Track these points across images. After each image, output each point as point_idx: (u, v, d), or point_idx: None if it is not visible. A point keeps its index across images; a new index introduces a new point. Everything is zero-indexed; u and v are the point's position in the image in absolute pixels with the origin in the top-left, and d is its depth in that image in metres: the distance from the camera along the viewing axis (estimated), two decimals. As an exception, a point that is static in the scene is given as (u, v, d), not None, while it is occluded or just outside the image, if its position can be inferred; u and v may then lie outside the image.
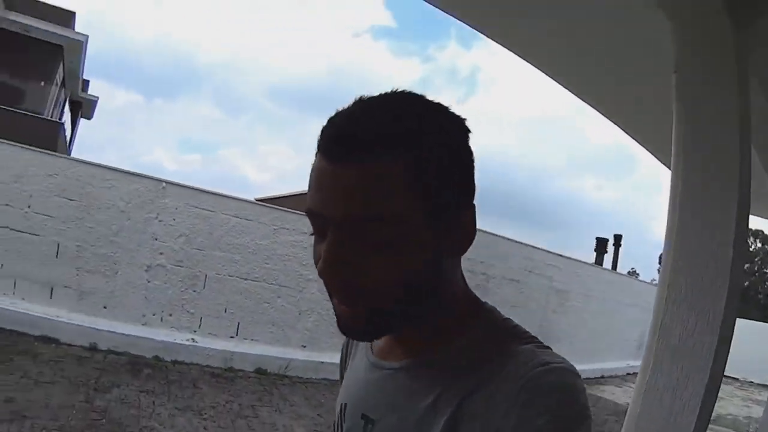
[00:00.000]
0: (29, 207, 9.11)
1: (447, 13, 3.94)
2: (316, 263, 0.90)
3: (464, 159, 0.92)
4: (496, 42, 4.28)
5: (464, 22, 4.03)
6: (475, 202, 0.94)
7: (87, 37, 21.31)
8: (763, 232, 44.29)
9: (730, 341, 2.32)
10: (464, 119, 0.93)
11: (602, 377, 14.39)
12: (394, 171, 0.83)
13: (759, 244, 46.66)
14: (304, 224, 10.30)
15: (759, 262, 46.19)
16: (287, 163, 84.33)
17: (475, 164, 0.94)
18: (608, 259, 22.73)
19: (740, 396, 16.53)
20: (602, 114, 5.14)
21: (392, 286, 0.86)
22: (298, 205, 11.44)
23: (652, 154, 5.34)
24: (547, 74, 4.52)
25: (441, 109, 0.91)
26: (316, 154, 0.89)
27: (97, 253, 9.12)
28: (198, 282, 9.44)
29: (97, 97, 28.32)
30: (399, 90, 0.90)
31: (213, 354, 8.98)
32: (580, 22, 3.60)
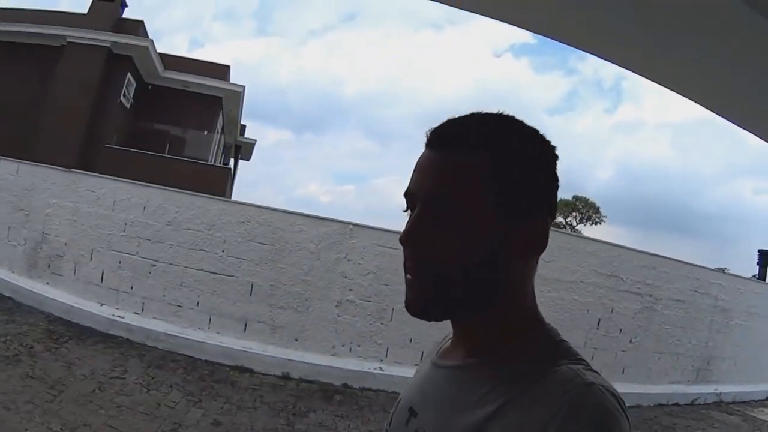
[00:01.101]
0: (223, 251, 10.07)
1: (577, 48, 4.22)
2: None
3: (544, 175, 1.03)
4: (627, 69, 4.55)
5: (589, 52, 4.29)
6: (552, 219, 1.06)
7: (244, 87, 22.76)
8: None
9: None
10: (554, 146, 1.04)
11: (767, 399, 13.73)
12: (475, 164, 0.97)
13: None
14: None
15: None
16: None
17: (559, 187, 1.06)
18: None
19: None
20: (742, 127, 5.30)
21: (456, 262, 0.97)
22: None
23: None
24: (681, 94, 4.74)
25: (531, 131, 1.03)
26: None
27: (289, 291, 9.86)
28: (385, 315, 9.89)
29: (255, 140, 29.92)
30: (504, 112, 1.04)
31: (399, 381, 9.17)
32: (705, 37, 3.86)
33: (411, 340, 9.87)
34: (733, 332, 13.66)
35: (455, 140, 1.00)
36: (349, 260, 9.99)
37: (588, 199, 48.67)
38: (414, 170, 1.04)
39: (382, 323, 9.95)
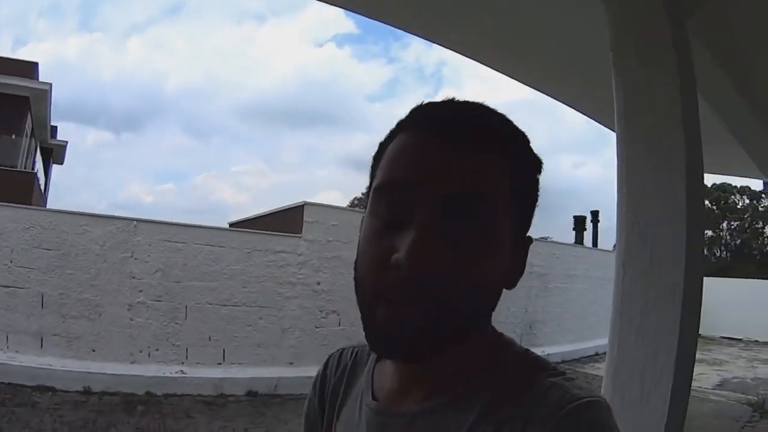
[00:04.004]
0: (11, 261, 9.31)
1: (388, 24, 4.08)
2: (372, 250, 0.82)
3: (537, 192, 0.89)
4: (437, 43, 4.43)
5: (403, 29, 4.17)
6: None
7: (51, 84, 21.38)
8: (749, 188, 43.98)
9: (698, 309, 2.29)
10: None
11: (596, 354, 14.43)
12: (503, 172, 0.80)
13: (747, 200, 46.49)
14: (278, 243, 10.49)
15: (749, 219, 46.10)
16: (263, 182, 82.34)
17: None
18: (588, 236, 22.49)
19: (746, 357, 16.41)
20: (548, 95, 5.29)
21: (468, 289, 0.78)
22: (272, 224, 11.56)
23: (602, 124, 5.48)
24: (494, 69, 4.67)
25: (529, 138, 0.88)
26: (407, 132, 0.85)
27: (80, 299, 9.28)
28: (179, 314, 9.57)
29: (67, 142, 28.22)
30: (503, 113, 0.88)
31: (203, 383, 9.15)
32: (516, 15, 3.73)
33: (210, 339, 9.72)
34: (552, 295, 14.31)
35: (486, 136, 0.81)
36: (135, 259, 9.55)
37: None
38: (418, 160, 0.80)
39: (177, 323, 9.61)
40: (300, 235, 10.69)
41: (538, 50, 4.16)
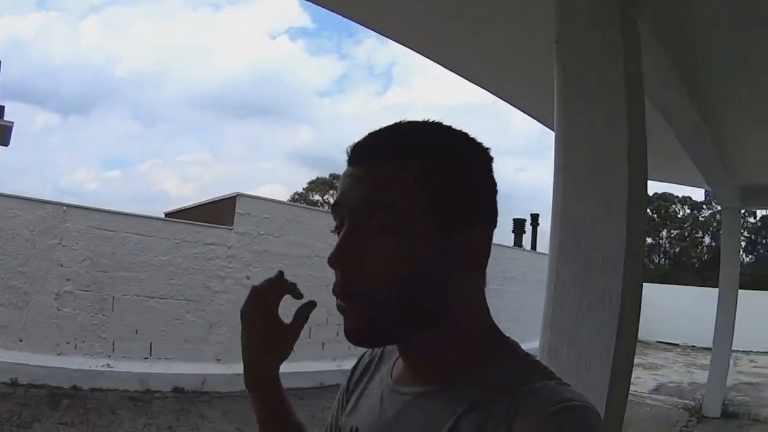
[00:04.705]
0: (-58, 245, 8.97)
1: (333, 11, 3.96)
2: None
3: (479, 181, 0.96)
4: (383, 35, 4.34)
5: (354, 20, 4.06)
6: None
7: None
8: (691, 198, 44.87)
9: (637, 317, 2.19)
10: (486, 148, 0.98)
11: None
12: (405, 173, 0.90)
13: (688, 210, 47.39)
14: (208, 235, 10.39)
15: (689, 228, 46.97)
16: (207, 173, 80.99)
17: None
18: (528, 239, 22.84)
19: (682, 362, 16.65)
20: (489, 91, 5.23)
21: (391, 278, 0.88)
22: (205, 215, 11.28)
23: (543, 124, 5.45)
24: (440, 64, 4.60)
25: (460, 134, 0.97)
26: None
27: (8, 285, 9.00)
28: (106, 305, 9.36)
29: (13, 123, 27.35)
30: (429, 119, 0.98)
31: (129, 377, 8.94)
32: (464, 12, 3.63)
33: (137, 332, 9.53)
34: (487, 297, 14.02)
35: (380, 151, 0.93)
36: (64, 246, 9.29)
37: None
38: (340, 185, 0.97)
39: (104, 314, 9.38)
40: (230, 227, 10.57)
41: (482, 46, 4.08)
